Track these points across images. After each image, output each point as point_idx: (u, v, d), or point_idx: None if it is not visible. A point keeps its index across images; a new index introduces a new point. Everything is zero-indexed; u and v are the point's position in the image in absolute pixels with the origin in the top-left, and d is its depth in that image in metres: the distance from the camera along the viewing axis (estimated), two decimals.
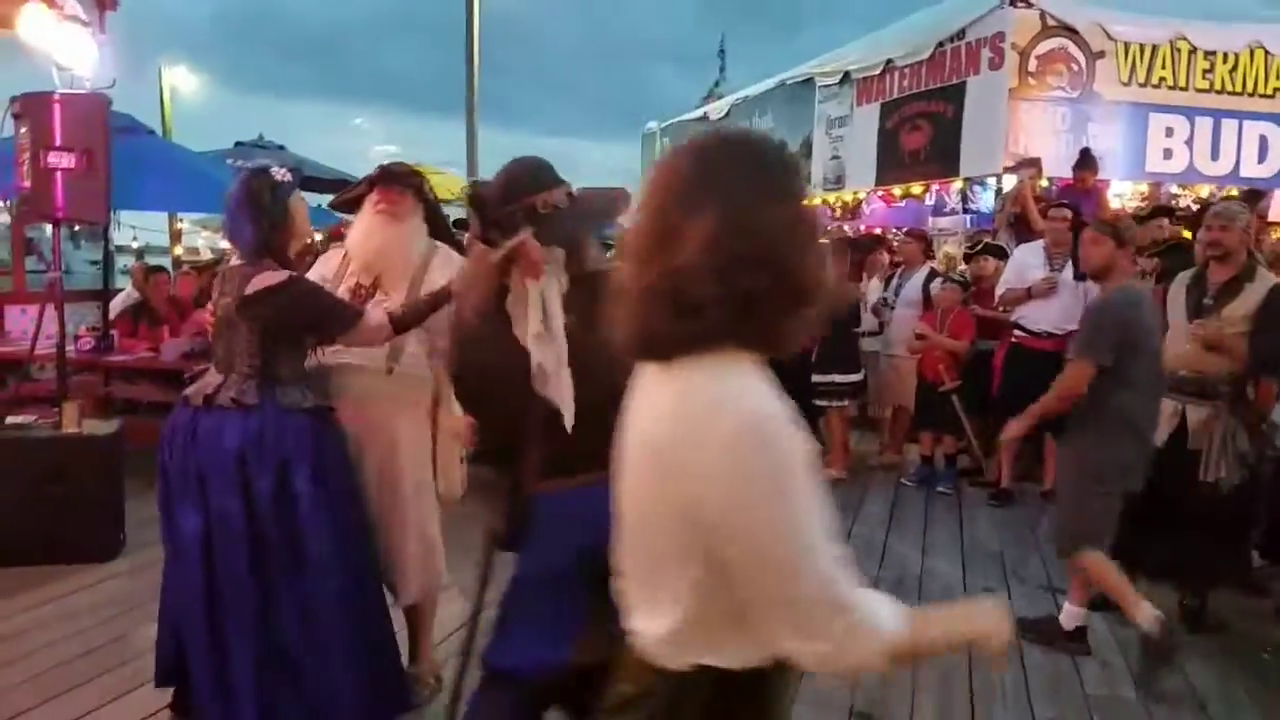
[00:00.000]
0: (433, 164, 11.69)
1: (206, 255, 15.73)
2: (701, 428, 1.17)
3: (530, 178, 2.26)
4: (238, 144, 9.99)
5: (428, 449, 3.13)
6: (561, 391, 2.13)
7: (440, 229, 3.22)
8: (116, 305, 7.15)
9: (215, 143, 8.60)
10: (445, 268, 3.03)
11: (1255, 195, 7.63)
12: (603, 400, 1.84)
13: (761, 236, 1.19)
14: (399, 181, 3.07)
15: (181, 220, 12.56)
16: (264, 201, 2.77)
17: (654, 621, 1.32)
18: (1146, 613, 3.48)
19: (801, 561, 1.17)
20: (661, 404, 1.25)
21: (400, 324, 2.84)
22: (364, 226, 3.10)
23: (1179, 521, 4.27)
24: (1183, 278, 4.27)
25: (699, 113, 14.58)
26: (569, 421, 2.12)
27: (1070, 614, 3.87)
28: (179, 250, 11.86)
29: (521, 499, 2.23)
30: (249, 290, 2.71)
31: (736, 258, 1.17)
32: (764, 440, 1.16)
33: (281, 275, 2.73)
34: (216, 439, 2.69)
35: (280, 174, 2.87)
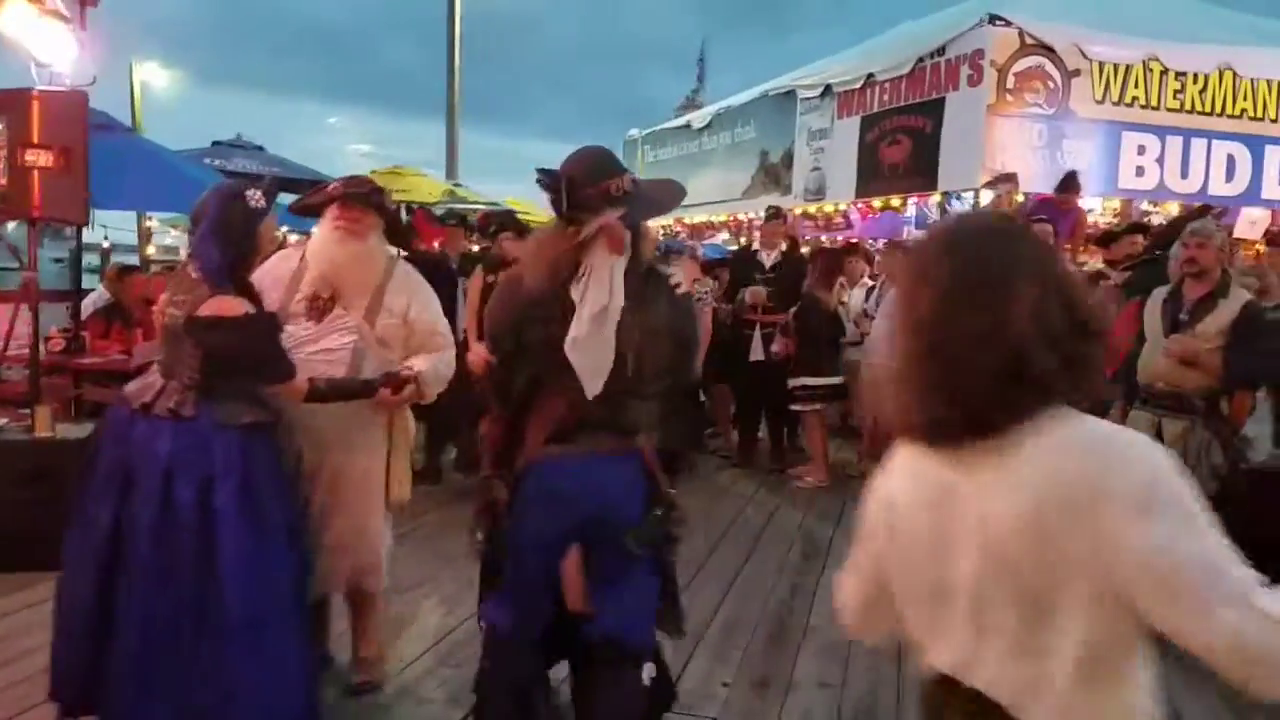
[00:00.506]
0: (412, 166, 11.62)
1: (180, 255, 15.56)
2: (1112, 475, 1.22)
3: (607, 163, 2.47)
4: (215, 143, 9.89)
5: (381, 449, 3.23)
6: (594, 362, 2.30)
7: (399, 236, 3.38)
8: (88, 306, 7.06)
9: (185, 140, 8.53)
10: (402, 289, 3.20)
11: (1204, 211, 7.76)
12: (626, 381, 2.32)
13: (1074, 302, 1.32)
14: (361, 201, 3.13)
15: (151, 218, 12.42)
16: (235, 230, 2.77)
17: (1017, 670, 1.32)
18: None
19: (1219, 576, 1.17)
20: (1021, 471, 1.28)
21: (315, 397, 2.92)
22: (324, 239, 3.14)
23: None
24: (1159, 293, 4.35)
25: (681, 121, 14.65)
26: (591, 391, 2.31)
27: None
28: (151, 249, 11.70)
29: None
30: (202, 312, 2.70)
31: (1064, 325, 1.30)
32: (1168, 474, 1.22)
33: (239, 309, 2.71)
34: (147, 446, 2.68)
35: (255, 199, 2.83)
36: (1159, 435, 4.05)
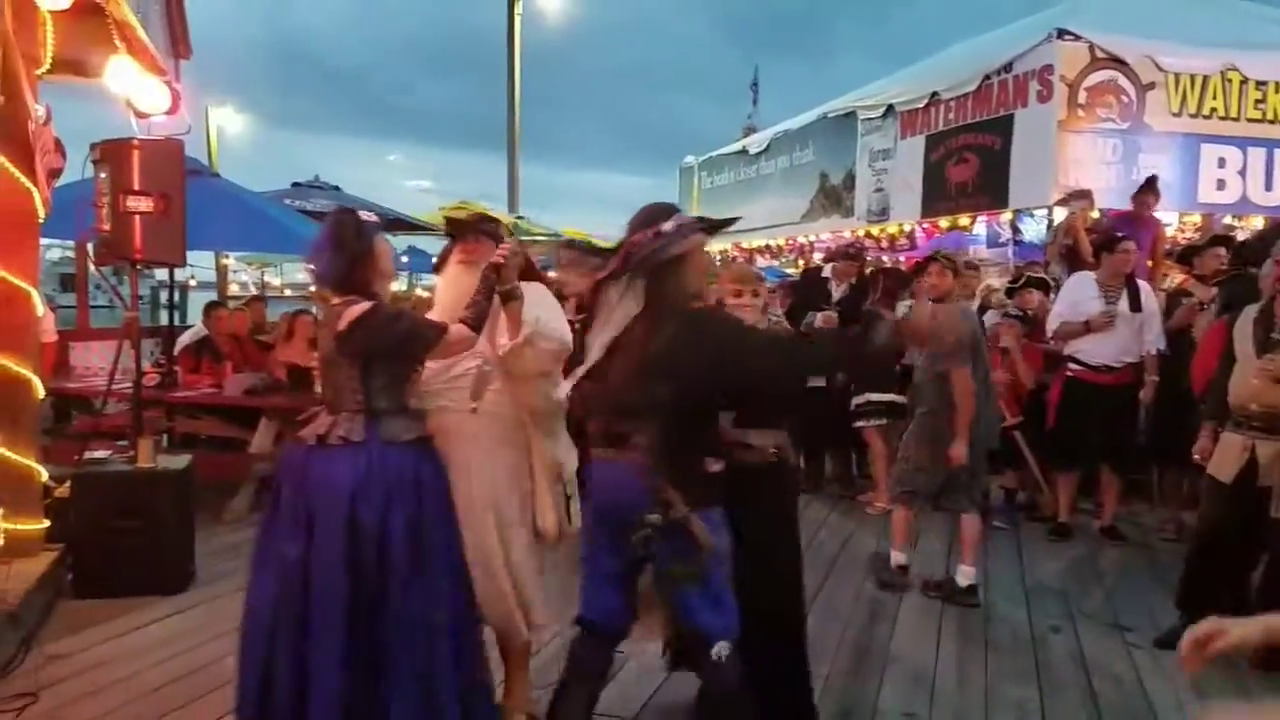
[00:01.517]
0: (475, 200, 11.81)
1: (251, 290, 16.06)
2: None
3: (636, 220, 2.79)
4: (294, 184, 10.23)
5: (517, 486, 3.15)
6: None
7: (525, 270, 3.21)
8: (183, 341, 7.34)
9: (256, 179, 8.83)
10: (531, 308, 3.07)
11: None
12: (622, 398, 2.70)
13: None
14: (470, 230, 3.19)
15: (228, 257, 12.85)
16: (347, 237, 2.89)
17: None
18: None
19: None
20: None
21: (474, 323, 2.92)
22: (446, 279, 3.24)
23: (1250, 559, 4.23)
24: (1249, 311, 4.23)
25: (737, 146, 14.70)
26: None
27: (963, 573, 4.81)
28: (235, 288, 12.10)
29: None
30: (341, 325, 2.82)
31: None
32: None
33: (366, 304, 2.83)
34: (328, 479, 2.77)
35: (368, 215, 3.02)
36: (1253, 458, 3.96)
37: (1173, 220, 8.22)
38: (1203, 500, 4.43)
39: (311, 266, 3.07)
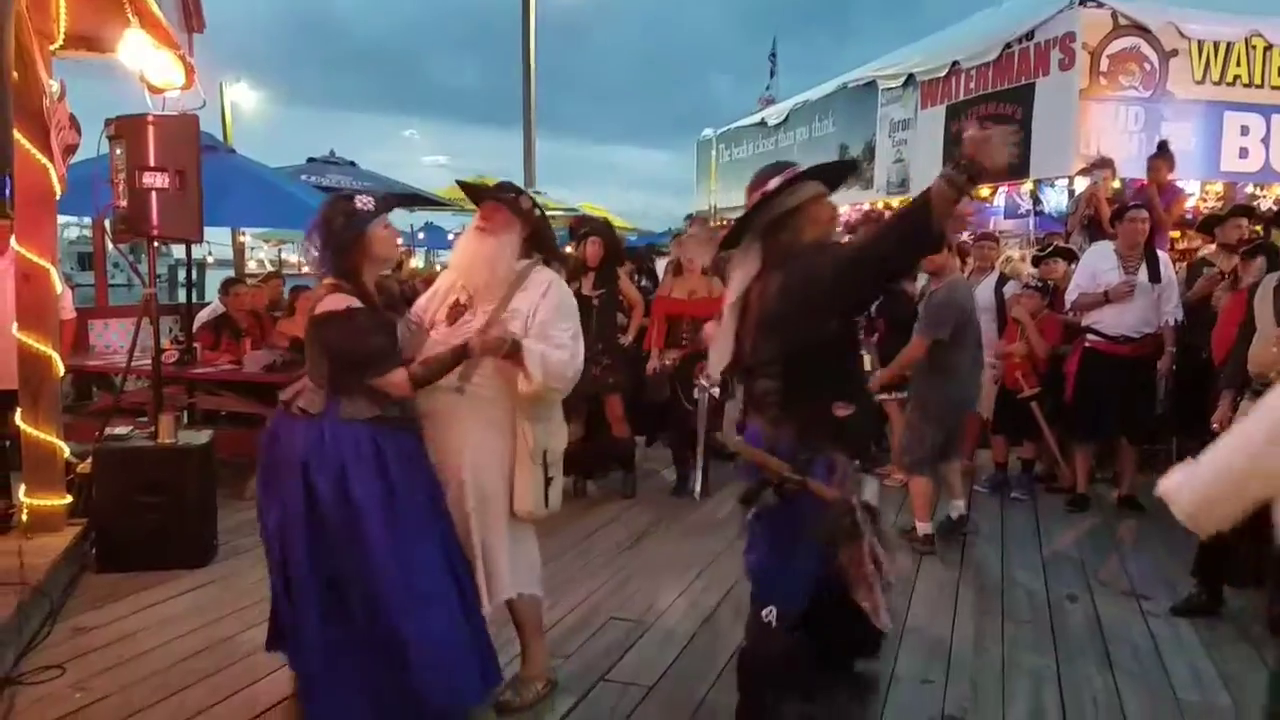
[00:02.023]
0: (493, 175, 11.85)
1: (269, 268, 16.13)
2: None
3: (750, 183, 2.90)
4: (310, 160, 10.23)
5: (498, 466, 3.13)
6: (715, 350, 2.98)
7: (545, 245, 3.25)
8: (201, 318, 7.38)
9: (271, 156, 8.84)
10: (534, 291, 3.09)
11: None
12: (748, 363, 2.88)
13: None
14: (493, 196, 3.18)
15: (244, 234, 12.89)
16: (334, 226, 2.92)
17: None
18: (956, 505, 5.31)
19: None
20: None
21: (418, 382, 2.92)
22: (461, 241, 3.24)
23: (1265, 530, 4.19)
24: (1270, 280, 4.18)
25: (756, 118, 14.58)
26: (712, 369, 3.30)
27: (920, 527, 5.17)
28: (252, 264, 12.15)
29: None
30: (317, 311, 2.91)
31: None
32: None
33: (342, 304, 2.86)
34: (287, 446, 2.92)
35: (364, 202, 2.99)
36: None
37: (1195, 189, 8.11)
38: None
39: (306, 248, 3.10)
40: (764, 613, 2.85)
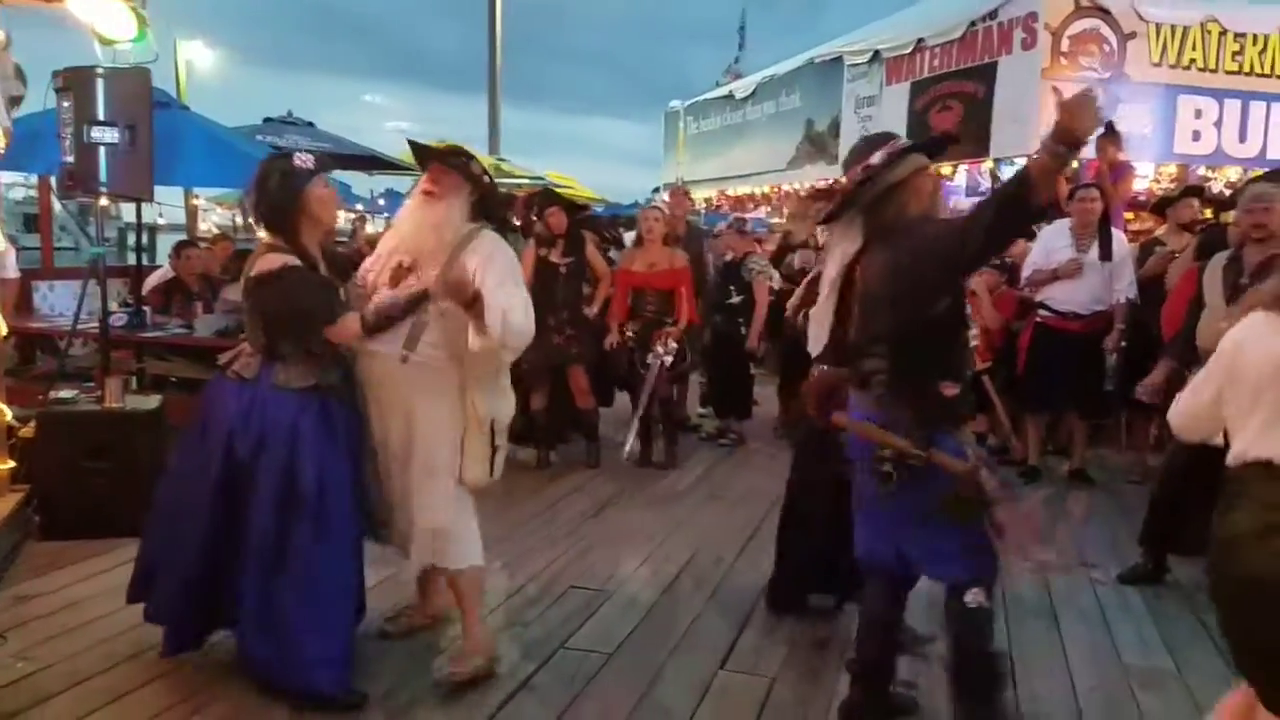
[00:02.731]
0: (456, 142, 11.63)
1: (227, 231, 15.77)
2: None
3: (848, 157, 2.84)
4: (267, 120, 9.99)
5: (445, 436, 3.08)
6: (813, 329, 2.96)
7: (492, 211, 3.21)
8: (151, 282, 7.21)
9: (227, 118, 8.58)
10: (477, 255, 3.00)
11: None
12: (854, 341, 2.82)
13: None
14: (441, 160, 3.11)
15: (197, 197, 12.58)
16: (269, 185, 2.89)
17: None
18: None
19: None
20: None
21: (370, 327, 2.89)
22: (406, 208, 3.19)
23: (1214, 498, 4.30)
24: (1218, 259, 4.30)
25: (723, 91, 14.51)
26: (811, 350, 3.03)
27: None
28: (205, 226, 11.88)
29: None
30: (252, 272, 2.89)
31: None
32: None
33: (277, 263, 2.84)
34: (219, 409, 2.96)
35: (301, 160, 2.94)
36: None
37: (1149, 171, 8.23)
38: (1172, 440, 4.50)
39: (244, 207, 3.08)
40: (968, 597, 2.71)
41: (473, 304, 2.83)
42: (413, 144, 3.31)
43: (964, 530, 2.70)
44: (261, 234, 3.02)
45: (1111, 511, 5.46)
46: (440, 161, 3.10)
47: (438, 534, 3.14)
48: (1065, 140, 2.35)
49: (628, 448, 6.13)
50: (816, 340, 2.97)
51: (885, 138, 2.81)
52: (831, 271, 2.88)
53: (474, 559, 3.23)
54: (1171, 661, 3.55)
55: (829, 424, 2.96)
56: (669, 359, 6.01)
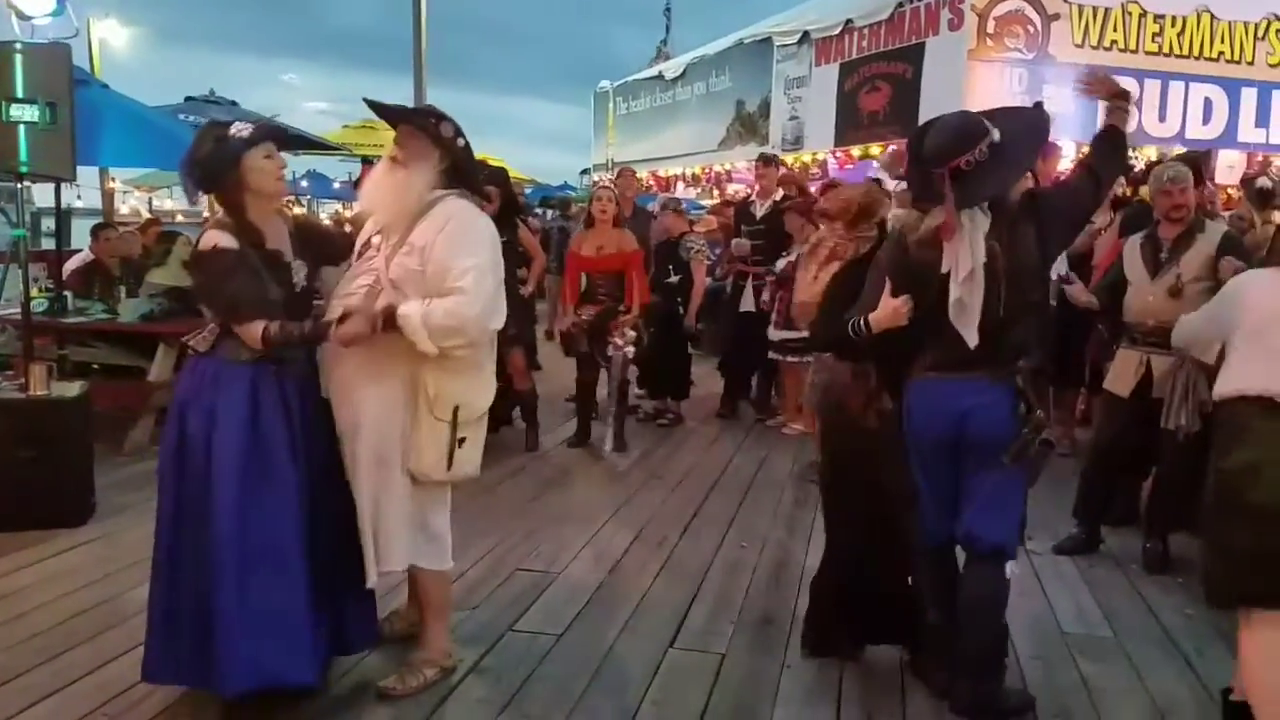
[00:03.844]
0: (378, 123, 11.40)
1: (142, 216, 15.29)
2: None
3: (952, 142, 2.72)
4: (188, 98, 9.68)
5: (393, 420, 2.83)
6: (970, 320, 2.75)
7: (467, 178, 2.96)
8: (71, 266, 6.95)
9: (147, 98, 8.29)
10: (434, 225, 2.78)
11: (1198, 156, 7.89)
12: (996, 321, 2.77)
13: None
14: (407, 119, 2.91)
15: (114, 180, 12.15)
16: (200, 153, 2.75)
17: None
18: None
19: None
20: None
21: (270, 341, 2.71)
22: (373, 176, 2.99)
23: (1143, 469, 4.48)
24: (1135, 239, 4.46)
25: (653, 71, 14.51)
26: (972, 342, 2.75)
27: None
28: (124, 210, 11.48)
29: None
30: (193, 249, 2.85)
31: None
32: None
33: (210, 243, 2.76)
34: (178, 385, 2.89)
35: (238, 128, 2.79)
36: (1148, 372, 4.16)
37: (1071, 151, 8.45)
38: (1099, 414, 4.67)
39: (183, 182, 2.96)
40: (1010, 567, 2.90)
41: (389, 328, 2.68)
42: (373, 104, 3.03)
43: (1015, 497, 2.92)
44: (181, 218, 2.94)
45: (1042, 483, 5.58)
46: (405, 122, 2.89)
47: (380, 530, 2.90)
48: (1125, 96, 3.00)
49: (608, 447, 6.14)
50: (970, 328, 2.78)
51: (974, 125, 2.77)
52: (972, 260, 2.73)
53: (433, 560, 3.00)
54: (1110, 630, 3.66)
55: (878, 418, 3.06)
56: (630, 350, 5.98)
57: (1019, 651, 3.41)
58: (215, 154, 2.73)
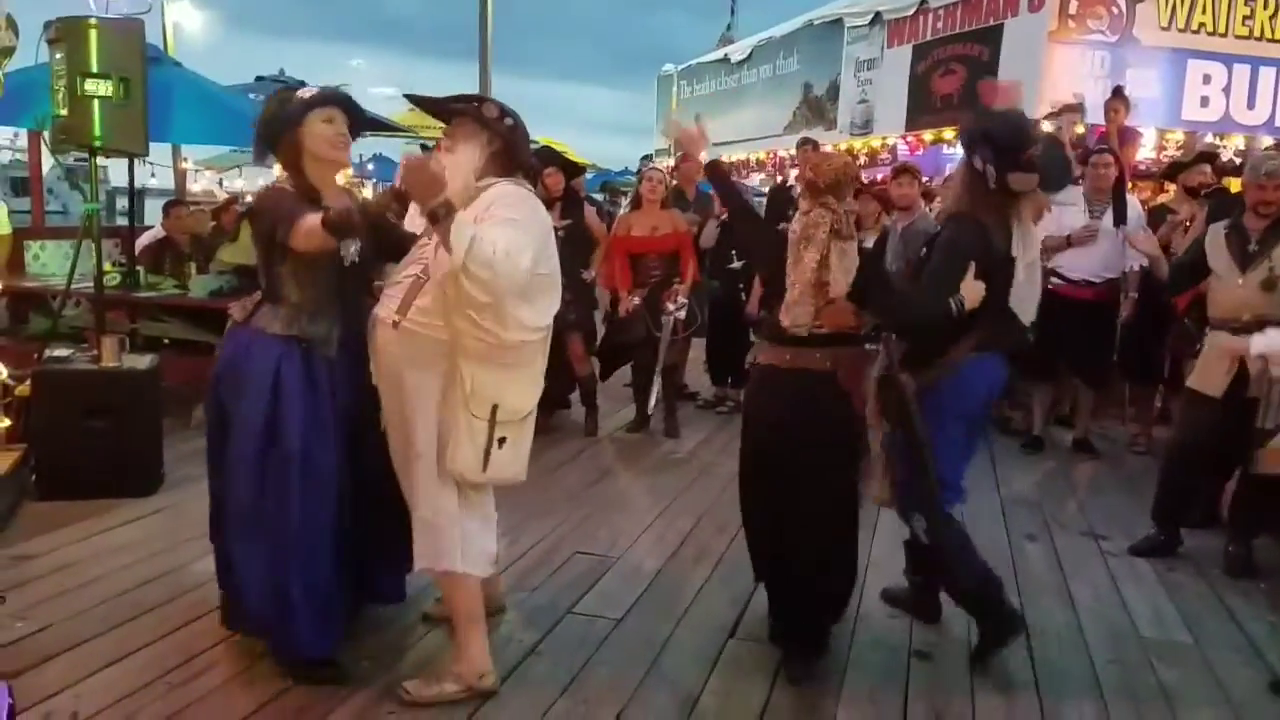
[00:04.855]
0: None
1: (217, 196, 15.60)
2: None
3: (1026, 132, 3.10)
4: (258, 78, 9.83)
5: (430, 414, 2.72)
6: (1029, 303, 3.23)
7: (519, 159, 2.86)
8: (142, 242, 7.08)
9: (218, 79, 8.39)
10: (481, 205, 2.62)
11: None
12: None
13: None
14: (447, 107, 2.84)
15: (186, 160, 12.38)
16: (267, 114, 2.80)
17: None
18: None
19: None
20: None
21: (329, 224, 2.55)
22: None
23: (1227, 469, 4.28)
24: (1217, 228, 4.25)
25: (719, 54, 14.32)
26: (1028, 320, 3.26)
27: None
28: (196, 189, 11.71)
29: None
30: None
31: None
32: None
33: (263, 189, 2.86)
34: (220, 350, 3.00)
35: (305, 91, 2.82)
36: (1243, 368, 3.95)
37: (1155, 137, 8.14)
38: (1184, 412, 4.46)
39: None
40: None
41: (444, 217, 2.39)
42: (412, 97, 2.98)
43: None
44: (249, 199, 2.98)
45: (1118, 482, 5.43)
46: (446, 110, 2.84)
47: (418, 526, 2.82)
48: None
49: (652, 401, 6.18)
50: (1029, 311, 3.30)
51: (1024, 133, 3.09)
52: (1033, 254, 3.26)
53: (464, 563, 2.81)
54: (1189, 635, 3.51)
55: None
56: (682, 314, 5.90)
57: (1095, 657, 3.28)
58: (277, 114, 2.77)
